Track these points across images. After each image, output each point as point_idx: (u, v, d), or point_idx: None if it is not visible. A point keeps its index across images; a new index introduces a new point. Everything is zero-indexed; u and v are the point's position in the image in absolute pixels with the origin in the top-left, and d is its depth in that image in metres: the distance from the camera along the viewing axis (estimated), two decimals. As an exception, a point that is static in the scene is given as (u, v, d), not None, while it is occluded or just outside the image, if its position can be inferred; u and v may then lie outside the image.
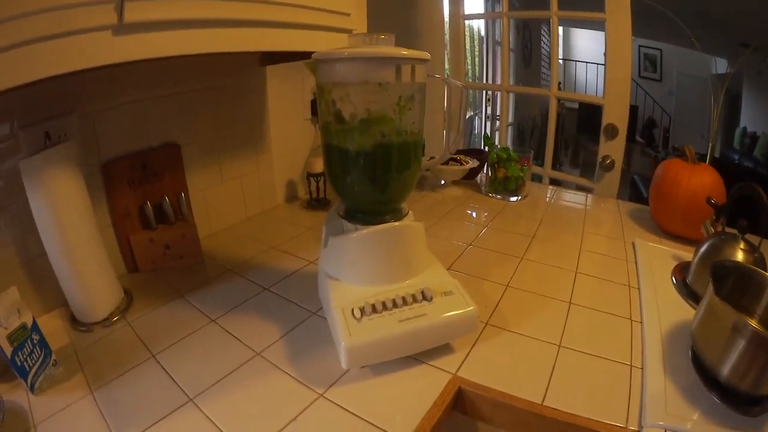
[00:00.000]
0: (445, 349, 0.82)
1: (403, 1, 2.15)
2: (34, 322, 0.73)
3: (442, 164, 1.74)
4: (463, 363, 0.80)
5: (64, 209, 0.82)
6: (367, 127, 0.74)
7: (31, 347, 0.71)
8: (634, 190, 4.24)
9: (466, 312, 0.78)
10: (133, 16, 0.61)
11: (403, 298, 0.77)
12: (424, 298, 0.78)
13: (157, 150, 1.10)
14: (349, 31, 0.99)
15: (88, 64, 0.60)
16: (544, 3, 1.97)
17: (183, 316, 0.92)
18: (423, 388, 0.73)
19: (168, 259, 1.10)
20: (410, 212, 0.87)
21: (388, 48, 0.75)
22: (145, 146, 1.08)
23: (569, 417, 0.69)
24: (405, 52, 0.72)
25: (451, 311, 0.78)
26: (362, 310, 0.75)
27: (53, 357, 0.75)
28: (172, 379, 0.74)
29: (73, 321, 0.89)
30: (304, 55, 0.80)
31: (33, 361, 0.70)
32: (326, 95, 0.77)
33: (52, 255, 0.84)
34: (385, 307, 0.76)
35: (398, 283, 0.81)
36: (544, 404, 0.71)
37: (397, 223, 0.82)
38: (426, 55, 0.75)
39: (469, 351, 0.83)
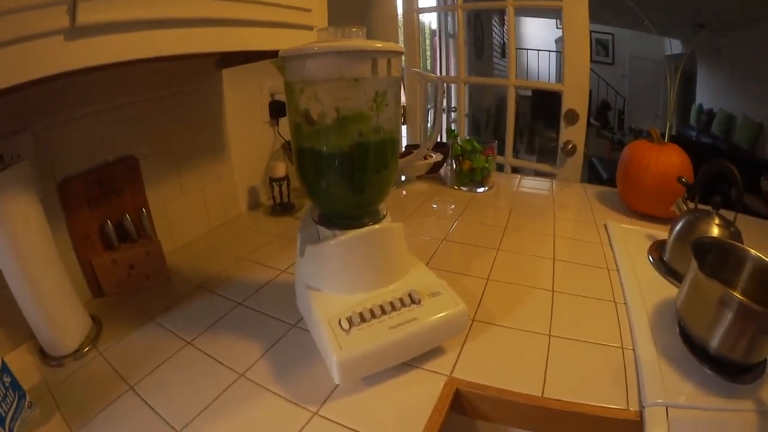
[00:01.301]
0: (435, 350, 0.79)
1: (356, -4, 2.11)
2: (4, 364, 0.67)
3: (401, 158, 1.72)
4: (456, 363, 0.78)
5: (21, 237, 0.76)
6: (343, 126, 0.70)
7: (4, 391, 0.65)
8: (592, 171, 4.36)
9: (456, 311, 0.76)
10: (87, 18, 0.56)
11: (391, 304, 0.74)
12: (413, 301, 0.75)
13: (114, 165, 1.04)
14: (310, 28, 0.95)
15: (40, 74, 0.54)
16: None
17: (157, 341, 0.86)
18: (420, 394, 0.71)
19: (134, 280, 1.03)
20: (388, 213, 0.84)
21: (362, 41, 0.71)
22: (102, 161, 1.01)
23: (572, 406, 0.69)
24: (379, 44, 0.69)
25: (442, 312, 0.75)
26: (350, 321, 0.71)
27: (28, 399, 0.69)
28: (155, 412, 0.69)
29: (43, 355, 0.83)
30: (264, 55, 0.77)
31: (7, 406, 0.64)
32: (297, 95, 0.72)
33: (13, 286, 0.77)
34: (373, 315, 0.72)
35: (383, 288, 0.78)
36: (544, 396, 0.71)
37: (377, 226, 0.78)
38: (400, 47, 0.72)
39: (461, 350, 0.81)
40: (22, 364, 0.80)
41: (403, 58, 0.74)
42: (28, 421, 0.68)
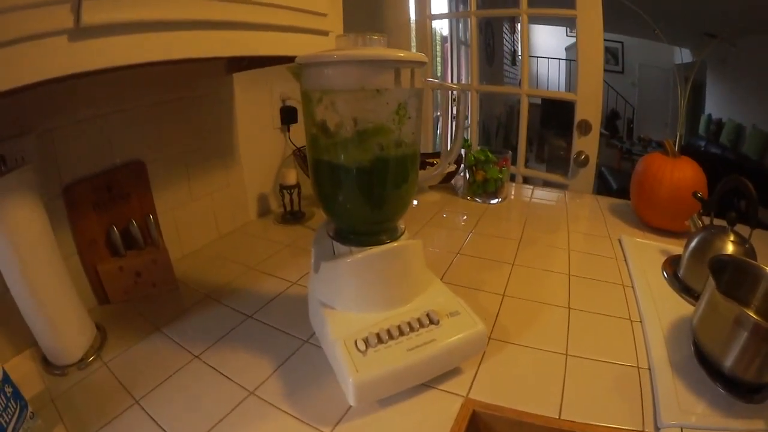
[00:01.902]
0: (452, 370, 0.77)
1: (368, 2, 2.10)
2: (5, 373, 0.64)
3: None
4: (472, 383, 0.76)
5: (24, 242, 0.74)
6: (363, 140, 0.67)
7: (5, 401, 0.62)
8: (602, 181, 4.34)
9: (475, 332, 0.74)
10: (92, 18, 0.53)
11: (409, 324, 0.72)
12: (431, 321, 0.73)
13: (122, 169, 1.02)
14: (325, 33, 0.93)
15: (43, 76, 0.52)
16: (504, 2, 1.95)
17: (163, 353, 0.84)
18: (436, 416, 0.69)
19: (140, 287, 1.01)
20: (406, 229, 0.82)
21: (385, 50, 0.68)
22: (109, 165, 1.00)
23: (588, 428, 0.68)
24: (403, 54, 0.66)
25: (461, 333, 0.73)
26: (366, 342, 0.69)
27: (29, 409, 0.66)
28: (162, 429, 0.67)
29: (46, 363, 0.80)
30: (276, 60, 0.74)
31: (9, 417, 0.62)
32: (314, 104, 0.69)
33: (16, 293, 0.75)
34: (390, 336, 0.70)
35: (400, 308, 0.76)
36: (561, 418, 0.69)
37: (395, 244, 0.75)
38: (424, 57, 0.69)
39: (477, 370, 0.79)
40: (23, 371, 0.79)
41: (424, 68, 0.72)
42: None
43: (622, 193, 1.55)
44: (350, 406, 0.70)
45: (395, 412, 0.70)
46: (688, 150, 1.43)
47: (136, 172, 1.05)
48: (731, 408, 0.68)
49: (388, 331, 0.70)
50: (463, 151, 1.71)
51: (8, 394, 0.64)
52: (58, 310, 0.80)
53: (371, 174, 0.70)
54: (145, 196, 1.07)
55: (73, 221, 0.93)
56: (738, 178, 1.00)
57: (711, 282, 0.77)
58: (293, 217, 1.47)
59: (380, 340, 0.69)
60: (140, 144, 1.06)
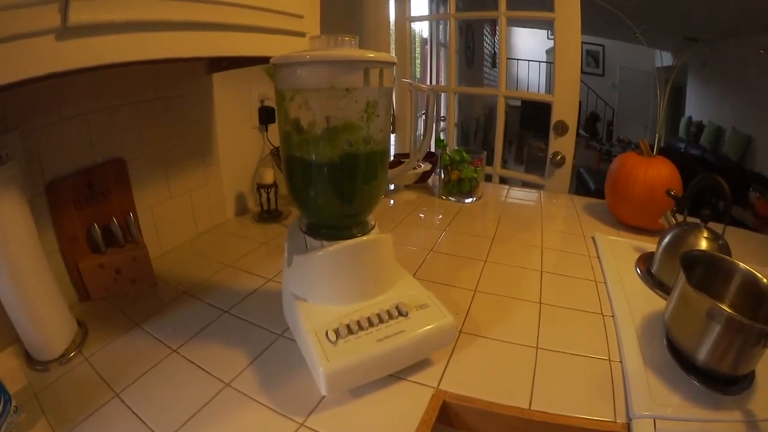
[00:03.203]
0: (423, 362, 0.79)
1: (348, 3, 2.11)
2: (-10, 368, 0.66)
3: (390, 168, 1.73)
4: (443, 375, 0.77)
5: (8, 238, 0.74)
6: (334, 136, 0.70)
7: (-11, 395, 0.64)
8: (580, 182, 4.38)
9: (444, 324, 0.76)
10: (79, 18, 0.55)
11: (379, 316, 0.74)
12: (400, 313, 0.75)
13: (103, 167, 1.03)
14: (302, 35, 0.95)
15: (30, 74, 0.53)
16: (484, 4, 1.98)
17: (142, 348, 0.85)
18: (407, 406, 0.71)
19: (120, 284, 1.02)
20: (376, 224, 0.84)
21: (354, 51, 0.71)
22: (91, 163, 1.00)
23: (559, 418, 0.69)
24: (372, 54, 0.69)
25: (429, 325, 0.75)
26: (337, 332, 0.71)
27: (13, 403, 0.67)
28: (141, 420, 0.68)
29: (29, 359, 0.81)
30: (255, 61, 0.76)
31: (-7, 411, 0.63)
32: (287, 103, 0.72)
33: (0, 288, 0.76)
34: (360, 327, 0.72)
35: (370, 300, 0.78)
36: (531, 409, 0.71)
37: (365, 237, 0.78)
38: (393, 58, 0.72)
39: (447, 362, 0.81)
40: (7, 367, 0.80)
41: (395, 68, 0.74)
42: (14, 425, 0.67)
43: (600, 194, 1.58)
44: (323, 397, 0.72)
45: (367, 402, 0.72)
46: (668, 151, 1.47)
47: (117, 170, 1.06)
48: (707, 400, 0.69)
49: (358, 323, 0.72)
50: (438, 151, 1.74)
51: (-8, 389, 0.65)
52: (42, 306, 0.80)
53: (341, 169, 0.73)
54: (125, 193, 1.08)
55: (55, 218, 0.94)
56: (712, 176, 1.01)
57: (682, 276, 0.78)
58: (270, 215, 1.48)
59: (350, 331, 0.71)
60: (121, 142, 1.07)
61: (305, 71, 0.69)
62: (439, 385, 0.75)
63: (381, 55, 0.70)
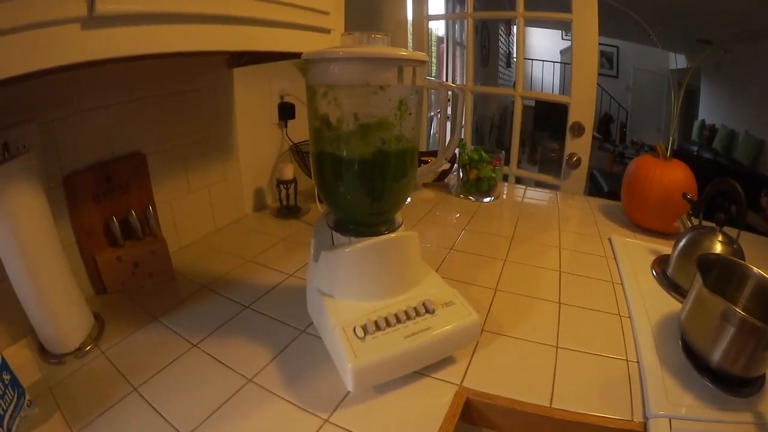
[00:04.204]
0: (446, 359, 0.79)
1: (367, 1, 2.11)
2: (4, 361, 0.65)
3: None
4: (466, 372, 0.78)
5: (25, 229, 0.74)
6: (366, 133, 0.70)
7: (3, 389, 0.63)
8: (594, 183, 4.38)
9: (469, 321, 0.76)
10: (105, 8, 0.54)
11: (406, 313, 0.74)
12: (427, 310, 0.75)
13: (122, 160, 1.02)
14: (327, 31, 0.95)
15: (55, 63, 0.53)
16: (500, 4, 1.97)
17: (161, 342, 0.85)
18: (430, 403, 0.71)
19: (137, 278, 1.02)
20: (403, 222, 0.84)
21: (388, 48, 0.71)
22: (109, 156, 1.00)
23: (579, 416, 0.70)
24: (405, 53, 0.69)
25: (455, 322, 0.75)
26: (365, 328, 0.71)
27: (27, 397, 0.67)
28: (160, 415, 0.68)
29: (43, 351, 0.81)
30: (277, 56, 0.75)
31: (6, 404, 0.63)
32: (319, 99, 0.71)
33: (15, 281, 0.75)
34: (388, 323, 0.72)
35: (397, 297, 0.78)
36: (552, 406, 0.71)
37: (393, 235, 0.78)
38: (425, 56, 0.71)
39: (470, 359, 0.81)
40: (21, 359, 0.79)
41: (426, 67, 0.74)
42: (27, 419, 0.66)
43: (613, 195, 1.58)
44: (347, 393, 0.72)
45: (391, 399, 0.72)
46: (680, 154, 1.45)
47: (136, 163, 1.06)
48: (719, 401, 0.70)
49: (386, 319, 0.72)
50: (457, 150, 1.73)
51: (6, 382, 0.64)
52: (57, 299, 0.80)
53: (373, 167, 0.72)
54: (144, 187, 1.07)
55: (72, 211, 0.93)
56: (727, 180, 1.01)
57: (698, 278, 0.78)
58: (289, 211, 1.48)
59: (378, 328, 0.71)
60: (140, 136, 1.07)
61: (339, 67, 0.69)
62: (462, 382, 0.75)
63: (414, 54, 0.70)
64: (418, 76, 0.72)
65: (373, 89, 0.68)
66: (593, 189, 4.19)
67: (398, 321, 0.73)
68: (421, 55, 0.71)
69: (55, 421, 0.67)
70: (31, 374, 0.76)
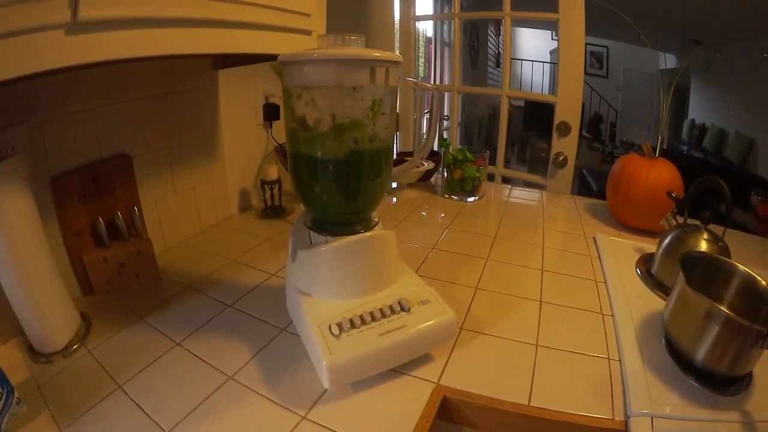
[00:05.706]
0: (424, 357, 0.80)
1: (353, 2, 2.12)
2: (-6, 360, 0.66)
3: (394, 166, 1.74)
4: (444, 370, 0.78)
5: (14, 230, 0.75)
6: (339, 134, 0.71)
7: (-7, 387, 0.64)
8: (583, 183, 4.38)
9: (445, 319, 0.77)
10: (88, 13, 0.56)
11: (381, 311, 0.75)
12: (402, 308, 0.76)
13: (108, 162, 1.03)
14: (309, 33, 0.96)
15: (39, 68, 0.54)
16: (489, 4, 1.98)
17: (146, 341, 0.86)
18: (408, 401, 0.72)
19: (124, 278, 1.03)
20: (380, 221, 0.85)
21: (361, 50, 0.72)
22: (96, 158, 1.01)
23: (558, 415, 0.70)
24: (378, 54, 0.70)
25: (431, 320, 0.76)
26: (340, 326, 0.72)
27: (16, 395, 0.68)
28: (144, 412, 0.69)
29: (32, 351, 0.82)
30: (261, 58, 0.76)
31: (-4, 402, 0.64)
32: (294, 100, 0.72)
33: (4, 280, 0.76)
34: (363, 321, 0.73)
35: (373, 295, 0.79)
36: (530, 405, 0.71)
37: (369, 233, 0.79)
38: (399, 57, 0.72)
39: (448, 358, 0.81)
40: (11, 359, 0.80)
41: (400, 67, 0.75)
42: (16, 417, 0.67)
43: (602, 195, 1.58)
44: (325, 390, 0.73)
45: (368, 396, 0.73)
46: (670, 154, 1.47)
47: (122, 165, 1.07)
48: (704, 400, 0.70)
49: (361, 317, 0.73)
50: (442, 150, 1.74)
51: (-5, 380, 0.65)
52: (46, 297, 0.81)
53: (347, 166, 0.74)
54: (130, 188, 1.08)
55: (60, 212, 0.94)
56: (713, 178, 1.02)
57: (681, 277, 0.79)
58: (274, 211, 1.49)
59: (353, 325, 0.72)
60: (127, 138, 1.08)
61: (312, 69, 0.70)
62: (439, 380, 0.76)
63: (387, 54, 0.71)
64: (392, 76, 0.73)
65: (346, 90, 0.69)
66: (582, 189, 4.19)
67: (373, 319, 0.73)
68: (393, 56, 0.72)
69: (43, 418, 0.68)
70: (20, 373, 0.77)
